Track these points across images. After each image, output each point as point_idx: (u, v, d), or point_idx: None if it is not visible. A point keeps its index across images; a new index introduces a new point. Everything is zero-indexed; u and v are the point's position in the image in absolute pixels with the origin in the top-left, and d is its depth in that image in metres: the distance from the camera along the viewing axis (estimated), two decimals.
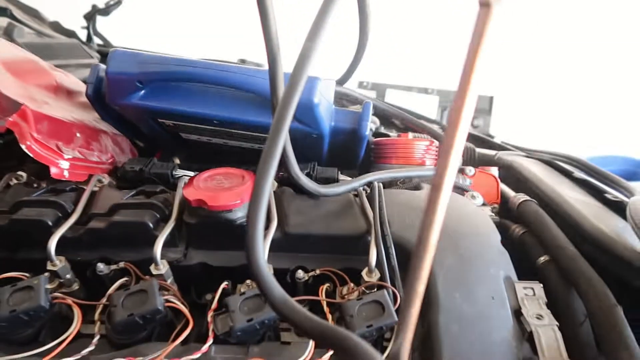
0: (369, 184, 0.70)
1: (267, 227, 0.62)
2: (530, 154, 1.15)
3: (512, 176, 0.97)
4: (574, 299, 0.60)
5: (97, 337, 0.53)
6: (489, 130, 2.93)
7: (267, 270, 0.41)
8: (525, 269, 0.71)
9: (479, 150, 1.09)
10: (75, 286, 0.62)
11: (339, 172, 0.75)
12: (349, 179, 0.73)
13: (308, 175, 0.74)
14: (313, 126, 0.73)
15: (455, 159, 0.28)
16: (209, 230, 0.61)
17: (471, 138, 1.39)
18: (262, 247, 0.42)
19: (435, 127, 1.30)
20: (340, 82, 0.97)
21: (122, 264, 0.61)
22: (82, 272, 0.63)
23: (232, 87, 0.68)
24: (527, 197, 0.80)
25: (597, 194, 0.86)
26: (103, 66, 0.74)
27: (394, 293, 0.55)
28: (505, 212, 0.86)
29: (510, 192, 0.87)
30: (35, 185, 0.71)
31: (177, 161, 1.08)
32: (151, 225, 0.61)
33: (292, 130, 0.73)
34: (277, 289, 0.41)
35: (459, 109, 0.27)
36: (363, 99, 1.01)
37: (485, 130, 2.91)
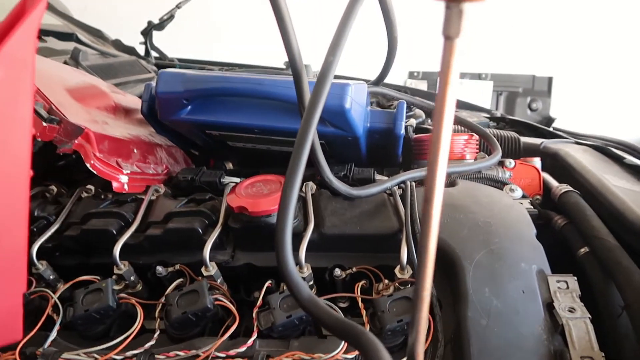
0: (403, 183, 0.72)
1: (305, 229, 0.66)
2: (581, 139, 1.11)
3: (558, 165, 0.95)
4: (613, 291, 0.60)
5: (157, 333, 0.60)
6: (549, 113, 2.81)
7: (295, 271, 0.45)
8: (568, 261, 0.71)
9: (524, 139, 1.07)
10: (139, 287, 0.70)
11: (375, 173, 0.78)
12: (385, 178, 0.76)
13: (345, 176, 0.78)
14: (347, 130, 0.76)
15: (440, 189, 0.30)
16: (252, 234, 0.67)
17: (519, 125, 1.36)
18: (290, 251, 0.46)
19: (476, 119, 1.29)
20: (376, 82, 1.00)
21: (177, 266, 0.68)
22: (144, 274, 0.70)
23: (267, 98, 0.73)
24: (569, 188, 0.79)
25: None
26: (154, 85, 0.82)
27: None
28: (548, 204, 0.85)
29: (553, 183, 0.86)
30: (102, 196, 0.79)
31: (231, 166, 1.16)
32: (200, 231, 0.67)
33: (329, 134, 0.77)
34: (304, 289, 0.45)
35: (437, 137, 0.29)
36: (400, 97, 1.03)
37: (544, 113, 2.80)
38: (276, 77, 0.75)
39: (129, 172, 0.73)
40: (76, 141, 0.68)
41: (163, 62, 1.82)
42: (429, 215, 0.31)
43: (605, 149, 1.02)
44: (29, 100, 0.40)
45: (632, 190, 0.76)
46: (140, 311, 0.61)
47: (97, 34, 1.87)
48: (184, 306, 0.59)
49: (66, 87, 0.78)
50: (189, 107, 0.79)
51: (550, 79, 2.79)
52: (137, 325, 0.59)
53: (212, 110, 0.79)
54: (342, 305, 0.68)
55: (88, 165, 0.68)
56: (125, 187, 0.72)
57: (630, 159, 0.94)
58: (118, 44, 1.85)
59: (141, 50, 1.88)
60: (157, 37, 1.91)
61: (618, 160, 0.95)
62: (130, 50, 1.82)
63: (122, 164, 0.73)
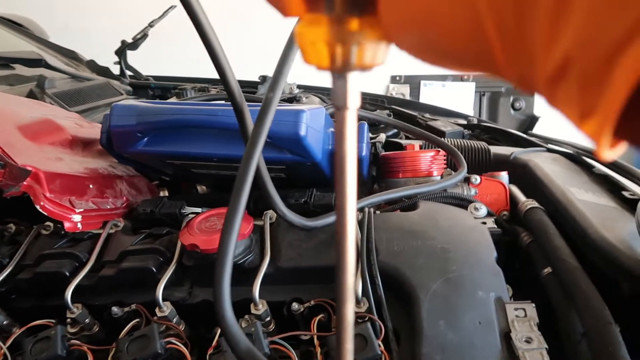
0: (362, 210, 0.71)
1: (260, 263, 0.65)
2: (554, 145, 1.10)
3: (528, 177, 0.94)
4: (574, 315, 0.59)
5: None
6: (533, 111, 2.81)
7: (232, 323, 0.44)
8: (535, 278, 0.70)
9: (495, 150, 1.06)
10: (96, 328, 0.68)
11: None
12: None
13: (305, 203, 0.76)
14: (305, 156, 0.75)
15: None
16: (207, 271, 0.65)
17: (494, 132, 1.36)
18: (228, 301, 0.45)
19: (450, 128, 1.28)
20: None
21: (134, 306, 0.66)
22: (100, 315, 0.69)
23: (220, 128, 0.72)
24: (535, 204, 0.78)
25: (616, 191, 0.82)
26: None
27: (380, 325, 0.56)
28: (518, 218, 0.84)
29: (521, 197, 0.85)
30: (63, 232, 0.78)
31: (204, 189, 1.14)
32: (154, 269, 0.66)
33: (288, 161, 0.76)
34: (242, 340, 0.43)
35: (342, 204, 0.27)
36: (363, 116, 1.02)
37: (528, 111, 2.80)
38: (227, 108, 0.73)
39: (82, 210, 0.71)
40: (25, 182, 0.66)
41: (138, 81, 1.81)
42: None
43: (576, 156, 1.01)
44: None
45: (597, 204, 0.75)
46: (91, 358, 0.60)
47: (70, 55, 1.86)
48: (134, 352, 0.57)
49: (18, 124, 0.76)
50: (145, 139, 0.77)
51: None
52: None
53: (168, 141, 0.77)
54: (304, 338, 0.67)
55: (38, 207, 0.66)
56: (79, 225, 0.70)
57: (599, 167, 0.93)
58: (92, 65, 1.84)
59: (116, 70, 1.87)
60: (132, 56, 1.89)
61: (588, 169, 0.94)
62: (105, 71, 1.80)
63: (75, 202, 0.71)
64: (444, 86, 2.80)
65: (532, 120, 2.42)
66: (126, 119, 0.74)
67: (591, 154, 0.99)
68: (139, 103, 0.76)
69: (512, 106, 2.70)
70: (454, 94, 2.75)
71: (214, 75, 0.55)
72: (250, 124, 0.57)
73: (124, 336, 0.60)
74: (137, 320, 0.66)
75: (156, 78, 1.90)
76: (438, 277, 0.59)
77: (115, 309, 0.66)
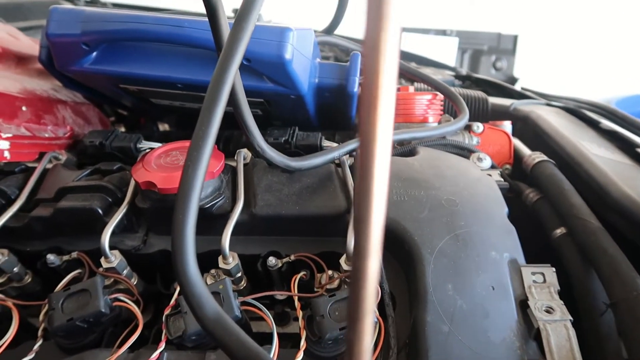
0: (354, 152, 0.60)
1: (232, 208, 0.54)
2: (552, 101, 1.02)
3: (530, 130, 0.85)
4: (595, 282, 0.51)
5: (39, 343, 0.47)
6: (513, 72, 2.74)
7: (197, 280, 0.33)
8: (540, 241, 0.62)
9: (492, 100, 0.97)
10: (28, 279, 0.56)
11: (322, 138, 0.66)
12: (334, 145, 0.64)
13: (286, 142, 0.65)
14: (289, 86, 0.63)
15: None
16: (165, 215, 0.53)
17: (485, 84, 1.26)
18: (192, 253, 0.34)
19: (440, 77, 1.18)
20: (328, 30, 0.85)
21: (74, 254, 0.55)
22: (34, 264, 0.57)
23: (188, 44, 0.58)
24: (544, 157, 0.69)
25: (628, 149, 0.75)
26: None
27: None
28: (519, 173, 0.76)
29: (525, 150, 0.76)
30: None
31: (166, 127, 1.01)
32: (100, 211, 0.54)
33: (268, 92, 0.64)
34: (206, 301, 0.33)
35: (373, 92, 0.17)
36: (355, 49, 0.89)
37: (509, 72, 2.72)
38: (201, 19, 0.60)
39: (10, 135, 0.57)
40: None
41: (94, 5, 1.60)
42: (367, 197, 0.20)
43: (578, 111, 0.93)
44: None
45: (613, 160, 0.67)
46: (16, 316, 0.48)
47: None
48: (71, 310, 0.46)
49: None
50: (93, 54, 0.63)
51: (515, 37, 2.71)
52: (10, 335, 0.46)
53: (122, 59, 0.63)
54: (280, 297, 0.57)
55: None
56: (6, 154, 0.57)
57: (606, 123, 0.85)
58: None
59: None
60: None
61: (593, 125, 0.86)
62: None
63: (1, 125, 0.57)
64: (426, 39, 2.67)
65: (512, 81, 2.36)
66: (69, 26, 0.60)
67: (594, 107, 0.91)
68: (85, 8, 0.61)
69: (494, 65, 2.61)
70: (436, 48, 2.63)
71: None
72: (225, 26, 0.44)
73: (60, 290, 0.49)
74: (78, 271, 0.54)
75: (116, 5, 1.69)
76: (445, 234, 0.50)
77: (51, 256, 0.54)
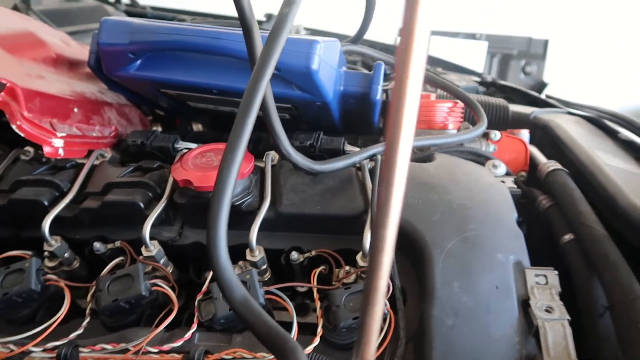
0: (374, 156, 0.64)
1: (260, 206, 0.59)
2: (574, 109, 1.04)
3: (549, 138, 0.88)
4: (596, 286, 0.54)
5: (86, 321, 0.53)
6: (543, 77, 2.72)
7: (227, 268, 0.38)
8: (550, 245, 0.65)
9: (514, 108, 0.99)
10: (76, 264, 0.63)
11: (345, 143, 0.70)
12: (356, 150, 0.68)
13: (311, 146, 0.70)
14: (315, 93, 0.67)
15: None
16: (200, 210, 0.59)
17: (510, 91, 1.28)
18: (224, 244, 0.39)
19: (465, 83, 1.21)
20: (354, 40, 0.90)
21: (118, 243, 0.61)
22: (81, 251, 0.63)
23: (223, 54, 0.64)
24: (558, 166, 0.72)
25: None
26: None
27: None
28: (535, 180, 0.78)
29: (541, 159, 0.79)
30: (44, 159, 0.71)
31: (199, 127, 1.07)
32: (142, 205, 0.60)
33: (296, 98, 0.69)
34: (237, 289, 0.38)
35: (400, 103, 0.21)
36: (380, 58, 0.93)
37: (538, 77, 2.70)
38: (236, 31, 0.65)
39: (64, 134, 0.64)
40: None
41: (134, 9, 1.68)
42: (388, 199, 0.24)
43: (598, 121, 0.95)
44: None
45: (625, 170, 0.69)
46: (68, 295, 0.54)
47: None
48: (115, 292, 0.52)
49: None
50: (138, 61, 0.69)
51: (546, 42, 2.68)
52: (62, 312, 0.53)
53: (164, 66, 0.69)
54: (301, 290, 0.62)
55: (14, 127, 0.59)
56: (60, 151, 0.64)
57: (625, 133, 0.87)
58: None
59: None
60: None
61: (612, 135, 0.88)
62: None
63: (57, 125, 0.64)
64: (454, 43, 2.68)
65: (542, 86, 2.34)
66: (117, 37, 0.66)
67: (615, 117, 0.93)
68: (132, 19, 0.68)
69: (523, 70, 2.60)
70: (465, 52, 2.63)
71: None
72: (259, 43, 0.49)
73: (106, 274, 0.55)
74: (121, 258, 0.60)
75: (154, 8, 1.77)
76: (454, 235, 0.54)
77: (97, 244, 0.61)
